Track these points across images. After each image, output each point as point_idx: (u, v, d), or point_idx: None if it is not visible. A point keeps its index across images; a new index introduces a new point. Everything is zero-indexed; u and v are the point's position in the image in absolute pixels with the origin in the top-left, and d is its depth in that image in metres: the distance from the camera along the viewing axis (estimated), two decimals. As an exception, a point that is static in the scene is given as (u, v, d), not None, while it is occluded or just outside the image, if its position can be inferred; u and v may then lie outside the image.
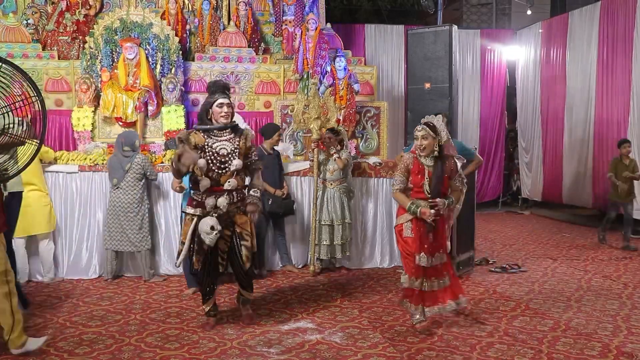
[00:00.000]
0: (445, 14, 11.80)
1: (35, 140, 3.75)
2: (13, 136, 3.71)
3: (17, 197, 5.00)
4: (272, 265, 6.62)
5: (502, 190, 12.30)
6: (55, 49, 7.75)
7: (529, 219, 10.94)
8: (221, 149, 4.48)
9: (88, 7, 7.99)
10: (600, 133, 9.64)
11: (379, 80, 9.03)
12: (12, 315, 3.91)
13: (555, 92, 10.79)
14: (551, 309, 5.21)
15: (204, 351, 4.18)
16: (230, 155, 4.49)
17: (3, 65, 3.60)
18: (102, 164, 6.35)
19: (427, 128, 4.49)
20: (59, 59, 7.60)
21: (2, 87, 3.63)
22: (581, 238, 8.81)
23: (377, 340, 4.41)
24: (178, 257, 4.59)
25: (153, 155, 6.63)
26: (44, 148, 5.75)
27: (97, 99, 7.14)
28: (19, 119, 3.72)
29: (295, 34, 8.16)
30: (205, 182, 4.41)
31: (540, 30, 11.27)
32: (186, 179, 4.76)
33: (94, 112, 7.11)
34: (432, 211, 4.43)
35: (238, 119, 5.47)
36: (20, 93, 3.65)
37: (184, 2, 8.32)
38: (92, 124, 7.07)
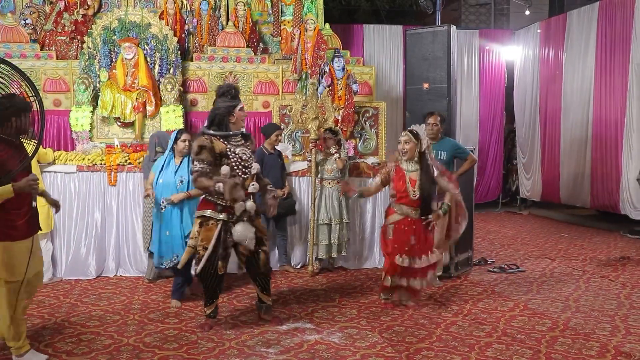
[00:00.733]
0: (444, 14, 11.80)
1: (33, 140, 3.75)
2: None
3: None
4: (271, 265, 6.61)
5: (500, 191, 12.30)
6: (53, 49, 7.74)
7: (528, 219, 10.95)
8: (243, 153, 4.53)
9: (86, 7, 7.97)
10: (599, 133, 9.64)
11: (377, 80, 9.02)
12: (11, 325, 3.88)
13: (553, 92, 10.79)
14: (549, 309, 5.22)
15: (202, 351, 4.18)
16: (250, 160, 4.58)
17: (1, 65, 3.60)
18: (101, 164, 6.35)
19: (410, 134, 5.00)
20: (57, 59, 7.59)
21: (1, 87, 3.63)
22: (579, 238, 8.82)
23: (375, 341, 4.41)
24: (198, 263, 4.48)
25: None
26: (43, 150, 5.73)
27: (95, 99, 7.13)
28: None
29: (294, 34, 8.15)
30: (232, 180, 4.40)
31: (538, 31, 11.28)
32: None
33: (92, 112, 7.10)
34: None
35: None
36: (19, 93, 3.64)
37: (182, 2, 8.31)
38: (91, 124, 7.06)
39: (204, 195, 4.60)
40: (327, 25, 8.61)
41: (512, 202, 12.51)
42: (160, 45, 7.36)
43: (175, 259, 5.16)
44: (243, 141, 4.62)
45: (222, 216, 4.46)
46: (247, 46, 8.11)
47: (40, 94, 3.70)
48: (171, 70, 7.39)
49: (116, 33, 7.29)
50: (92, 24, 7.66)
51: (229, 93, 4.57)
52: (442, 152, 5.95)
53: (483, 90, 11.93)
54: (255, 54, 8.10)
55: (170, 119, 7.16)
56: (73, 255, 6.29)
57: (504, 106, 12.23)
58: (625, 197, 8.99)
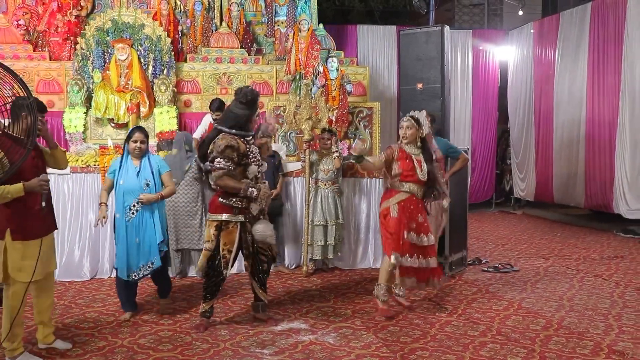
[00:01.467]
0: (437, 14, 11.83)
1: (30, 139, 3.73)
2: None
3: None
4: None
5: (494, 191, 12.34)
6: (46, 49, 7.71)
7: (522, 219, 10.99)
8: (257, 152, 4.64)
9: (79, 8, 7.95)
10: (592, 133, 9.69)
11: (371, 80, 9.03)
12: (10, 326, 3.89)
13: (546, 92, 10.84)
14: (543, 308, 5.24)
15: (197, 352, 4.18)
16: (261, 160, 4.69)
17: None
18: (94, 165, 6.33)
19: (412, 120, 4.97)
20: (50, 60, 7.57)
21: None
22: (573, 238, 8.85)
23: (370, 341, 4.42)
24: (226, 268, 4.53)
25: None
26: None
27: (88, 100, 7.11)
28: (9, 120, 3.69)
29: (288, 35, 8.16)
30: (264, 187, 4.58)
31: (531, 31, 11.32)
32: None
33: (86, 113, 7.08)
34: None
35: None
36: (11, 94, 3.62)
37: (175, 2, 8.30)
38: (84, 125, 7.05)
39: (219, 199, 4.56)
40: (321, 25, 8.62)
41: (506, 202, 12.55)
42: (153, 46, 7.36)
43: (150, 266, 4.80)
44: (253, 140, 4.71)
45: (240, 217, 4.54)
46: (241, 47, 8.10)
47: (33, 95, 3.68)
48: (165, 71, 7.38)
49: (109, 34, 7.28)
50: (86, 25, 7.65)
51: (256, 99, 4.62)
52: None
53: (477, 91, 11.96)
54: (249, 55, 8.10)
55: (164, 120, 7.16)
56: (67, 257, 6.26)
57: (498, 106, 12.27)
58: (618, 196, 9.03)
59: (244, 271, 5.15)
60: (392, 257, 4.83)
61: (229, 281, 5.99)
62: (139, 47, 7.29)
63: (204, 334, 4.55)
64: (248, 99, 4.55)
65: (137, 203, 4.74)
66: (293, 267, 6.75)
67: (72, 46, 7.65)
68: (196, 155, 4.86)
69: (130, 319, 4.88)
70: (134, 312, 4.99)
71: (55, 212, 4.20)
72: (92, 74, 7.13)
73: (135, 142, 4.79)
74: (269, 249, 4.75)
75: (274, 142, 7.08)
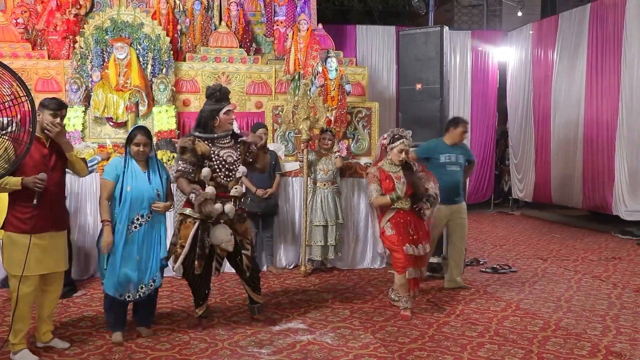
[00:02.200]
0: (437, 15, 11.79)
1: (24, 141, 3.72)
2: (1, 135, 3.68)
3: None
4: (260, 265, 6.59)
5: (493, 191, 12.34)
6: (45, 48, 7.70)
7: (520, 220, 11.00)
8: (228, 156, 4.51)
9: (78, 7, 7.94)
10: (590, 134, 9.70)
11: (370, 81, 9.02)
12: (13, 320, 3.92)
13: (545, 93, 10.84)
14: (541, 309, 5.24)
15: (195, 352, 4.17)
16: (236, 163, 4.55)
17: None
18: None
19: (406, 141, 5.01)
20: (49, 58, 7.55)
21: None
22: (571, 239, 8.86)
23: (368, 341, 4.42)
24: (176, 261, 4.41)
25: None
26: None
27: (87, 98, 7.10)
28: (8, 119, 3.69)
29: (287, 35, 8.16)
30: (210, 190, 4.35)
31: (530, 32, 11.33)
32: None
33: (85, 112, 7.08)
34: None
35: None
36: (10, 93, 3.62)
37: (175, 2, 8.29)
38: (83, 124, 7.04)
39: None
40: (320, 25, 8.61)
41: (504, 202, 12.55)
42: (152, 45, 7.35)
43: (151, 286, 4.31)
44: (233, 143, 4.60)
45: (196, 215, 4.38)
46: (240, 46, 8.10)
47: (32, 94, 3.67)
48: (164, 71, 7.38)
49: (108, 33, 7.26)
50: (84, 24, 7.64)
51: (214, 96, 4.52)
52: (460, 155, 5.90)
53: (475, 91, 11.96)
54: (248, 54, 8.09)
55: (163, 119, 7.15)
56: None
57: (497, 107, 12.27)
58: (617, 197, 9.04)
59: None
60: (407, 272, 4.90)
61: (228, 281, 6.00)
62: (138, 46, 7.28)
63: (202, 333, 4.54)
64: (207, 93, 4.57)
65: (145, 215, 4.24)
66: (291, 266, 6.75)
67: (71, 45, 7.64)
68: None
69: (123, 341, 4.31)
70: (125, 332, 4.40)
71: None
72: (90, 73, 7.12)
73: (138, 145, 4.23)
74: (239, 258, 4.60)
75: (272, 141, 7.08)
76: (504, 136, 12.65)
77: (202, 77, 7.78)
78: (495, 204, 12.37)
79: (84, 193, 6.33)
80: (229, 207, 4.43)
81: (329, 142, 6.53)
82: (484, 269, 6.74)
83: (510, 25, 13.56)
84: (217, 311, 5.08)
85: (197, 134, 4.51)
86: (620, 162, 9.02)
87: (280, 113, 7.19)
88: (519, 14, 13.42)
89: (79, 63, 7.20)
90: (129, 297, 4.26)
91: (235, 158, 4.55)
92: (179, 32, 8.26)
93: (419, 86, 6.87)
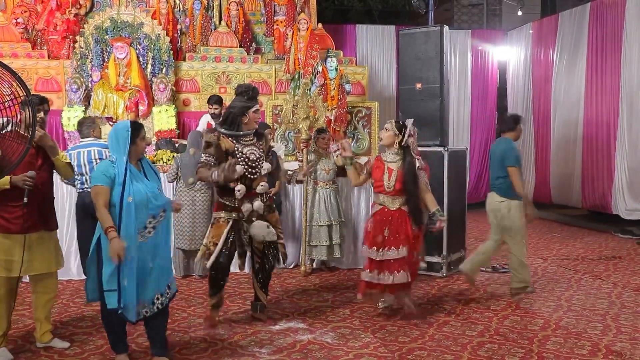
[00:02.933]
0: (437, 14, 11.82)
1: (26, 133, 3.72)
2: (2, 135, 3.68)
3: None
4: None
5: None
6: (45, 48, 7.71)
7: (520, 219, 10.97)
8: (251, 153, 4.55)
9: (78, 7, 7.96)
10: (590, 134, 9.70)
11: (370, 80, 9.03)
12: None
13: (545, 92, 10.84)
14: (541, 308, 5.24)
15: (195, 351, 4.17)
16: (259, 160, 4.59)
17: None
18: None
19: (392, 124, 4.83)
20: (49, 58, 7.56)
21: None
22: (571, 238, 8.85)
23: (368, 340, 4.42)
24: (209, 259, 4.51)
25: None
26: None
27: (87, 98, 7.10)
28: (8, 118, 3.68)
29: (287, 34, 8.16)
30: (241, 189, 4.45)
31: (530, 31, 11.33)
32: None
33: (85, 112, 7.07)
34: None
35: None
36: (10, 92, 3.62)
37: (174, 1, 8.30)
38: (83, 124, 7.03)
39: (217, 198, 4.64)
40: (320, 25, 8.61)
41: (504, 202, 12.51)
42: (152, 45, 7.36)
43: (167, 293, 3.87)
44: (255, 140, 4.65)
45: (233, 215, 4.52)
46: (240, 46, 8.10)
47: (32, 94, 3.67)
48: (164, 70, 7.38)
49: (108, 32, 7.27)
50: (84, 24, 7.64)
51: (246, 93, 4.57)
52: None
53: (475, 91, 11.96)
54: (248, 54, 8.10)
55: (163, 119, 7.16)
56: (65, 255, 6.22)
57: (497, 106, 12.27)
58: (617, 196, 9.03)
59: (239, 271, 5.12)
60: (363, 274, 4.90)
61: (228, 281, 5.98)
62: (138, 45, 7.29)
63: (201, 333, 4.54)
64: (239, 90, 4.60)
65: (157, 215, 3.75)
66: (291, 266, 6.75)
67: (71, 45, 7.65)
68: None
69: None
70: (128, 352, 3.99)
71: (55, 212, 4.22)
72: (90, 73, 7.13)
73: (143, 140, 3.84)
74: (273, 248, 4.73)
75: (272, 141, 7.08)
76: (504, 136, 12.62)
77: (202, 77, 7.79)
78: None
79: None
80: (257, 204, 4.53)
81: (328, 141, 6.52)
82: (484, 269, 6.72)
83: (510, 24, 13.57)
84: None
85: (222, 130, 4.54)
86: (620, 161, 9.02)
87: (280, 112, 7.20)
88: (519, 13, 13.42)
89: (79, 63, 7.20)
90: (147, 312, 3.75)
91: (258, 155, 4.59)
92: (178, 32, 8.27)
93: (419, 86, 6.87)
